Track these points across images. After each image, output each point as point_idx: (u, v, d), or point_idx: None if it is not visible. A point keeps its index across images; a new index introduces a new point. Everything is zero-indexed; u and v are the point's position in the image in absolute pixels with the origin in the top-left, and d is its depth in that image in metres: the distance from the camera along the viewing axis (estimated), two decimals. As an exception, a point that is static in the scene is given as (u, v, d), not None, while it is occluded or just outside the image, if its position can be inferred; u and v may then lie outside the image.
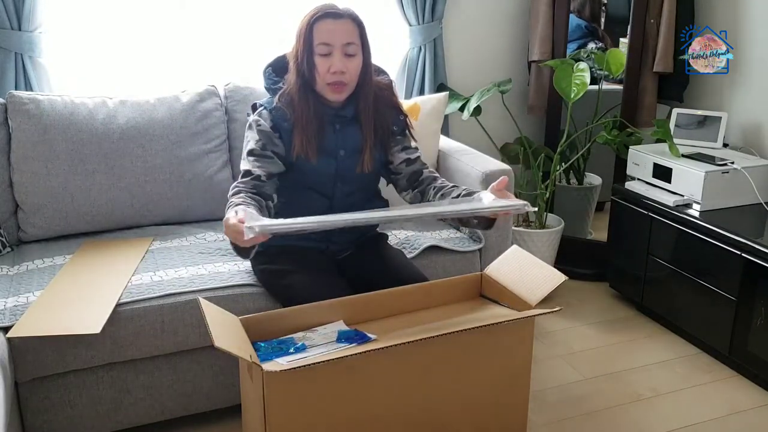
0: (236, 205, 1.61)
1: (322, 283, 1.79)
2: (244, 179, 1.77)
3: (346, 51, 1.74)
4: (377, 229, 2.07)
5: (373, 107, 1.85)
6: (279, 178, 1.81)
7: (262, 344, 1.56)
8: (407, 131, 1.95)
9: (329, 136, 1.83)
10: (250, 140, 1.81)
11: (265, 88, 1.90)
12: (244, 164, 1.80)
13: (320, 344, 1.56)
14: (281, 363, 1.48)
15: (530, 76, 3.07)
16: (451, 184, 1.86)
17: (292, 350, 1.53)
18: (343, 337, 1.59)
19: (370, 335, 1.60)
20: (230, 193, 1.73)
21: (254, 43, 2.69)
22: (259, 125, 1.81)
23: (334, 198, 1.88)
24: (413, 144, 1.96)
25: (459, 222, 1.87)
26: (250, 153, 1.80)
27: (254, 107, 1.88)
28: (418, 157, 1.94)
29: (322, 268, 1.86)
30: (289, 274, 1.84)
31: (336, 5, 1.78)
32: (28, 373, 1.72)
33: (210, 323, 1.41)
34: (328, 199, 1.88)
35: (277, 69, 1.87)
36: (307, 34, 1.74)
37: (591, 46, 3.13)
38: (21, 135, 2.14)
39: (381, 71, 1.97)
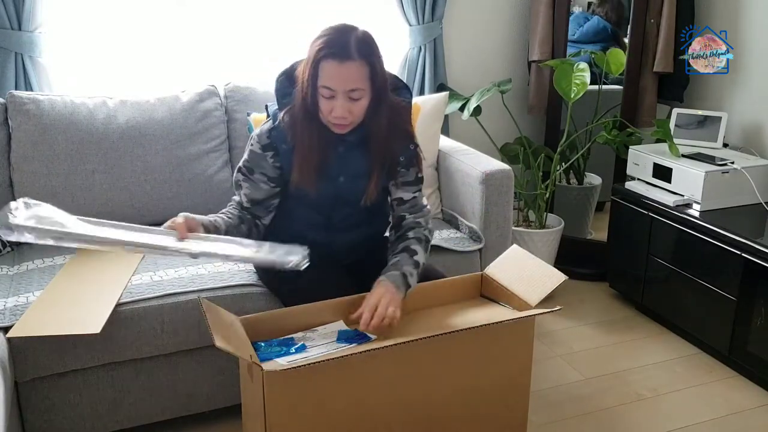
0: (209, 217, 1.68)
1: (327, 283, 1.76)
2: (231, 204, 1.80)
3: (350, 96, 1.60)
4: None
5: (384, 136, 1.71)
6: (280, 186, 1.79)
7: (262, 344, 1.56)
8: (414, 162, 1.81)
9: (330, 160, 1.73)
10: (244, 155, 1.79)
11: (276, 96, 1.76)
12: (237, 177, 1.80)
13: (320, 344, 1.56)
14: (281, 363, 1.48)
15: (530, 76, 3.07)
16: (401, 248, 1.75)
17: (292, 350, 1.53)
18: (343, 337, 1.59)
19: (370, 335, 1.60)
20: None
21: (254, 43, 2.69)
22: (252, 145, 1.76)
23: (333, 217, 1.83)
24: (416, 176, 1.83)
25: None
26: (239, 170, 1.80)
27: (266, 108, 1.82)
28: (414, 198, 1.82)
29: (327, 268, 1.83)
30: (293, 274, 1.83)
31: (347, 38, 1.59)
32: (28, 373, 1.72)
33: (210, 323, 1.42)
34: (327, 217, 1.83)
35: (291, 77, 1.72)
36: (312, 70, 1.60)
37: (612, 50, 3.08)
38: (21, 135, 2.14)
39: (400, 87, 1.79)
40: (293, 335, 1.60)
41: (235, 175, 1.81)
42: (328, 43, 1.59)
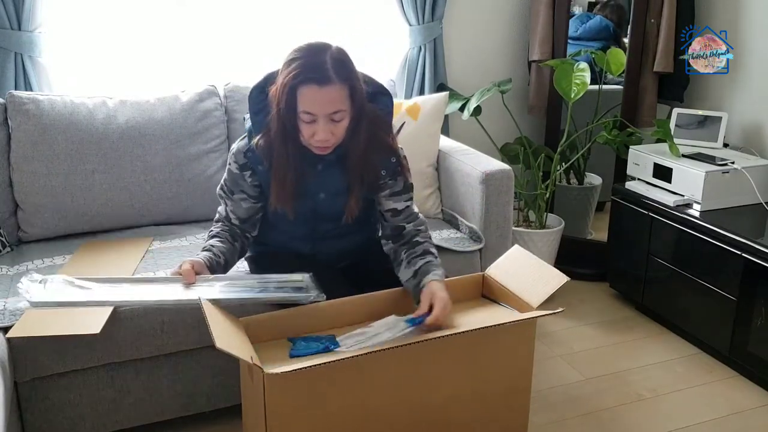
0: (206, 249, 1.73)
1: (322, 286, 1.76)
2: (218, 222, 1.82)
3: (332, 118, 1.57)
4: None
5: (363, 151, 1.68)
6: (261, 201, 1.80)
7: (298, 340, 1.59)
8: (399, 172, 1.76)
9: (309, 178, 1.71)
10: (225, 173, 1.80)
11: (250, 112, 1.72)
12: (219, 193, 1.82)
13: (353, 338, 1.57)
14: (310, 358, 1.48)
15: (530, 76, 3.06)
16: (422, 251, 1.75)
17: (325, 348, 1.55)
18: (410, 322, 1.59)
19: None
20: (208, 233, 1.81)
21: (254, 43, 2.69)
22: (230, 164, 1.76)
23: (317, 230, 1.83)
24: (405, 185, 1.79)
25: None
26: (221, 187, 1.82)
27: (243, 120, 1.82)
28: (407, 207, 1.79)
29: (321, 271, 1.80)
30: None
31: (323, 59, 1.55)
32: (28, 373, 1.72)
33: (211, 324, 1.41)
34: (311, 230, 1.83)
35: (265, 91, 1.67)
36: (290, 96, 1.56)
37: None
38: (21, 135, 2.14)
39: (378, 94, 1.73)
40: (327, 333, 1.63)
41: (218, 190, 1.83)
42: (303, 67, 1.54)
